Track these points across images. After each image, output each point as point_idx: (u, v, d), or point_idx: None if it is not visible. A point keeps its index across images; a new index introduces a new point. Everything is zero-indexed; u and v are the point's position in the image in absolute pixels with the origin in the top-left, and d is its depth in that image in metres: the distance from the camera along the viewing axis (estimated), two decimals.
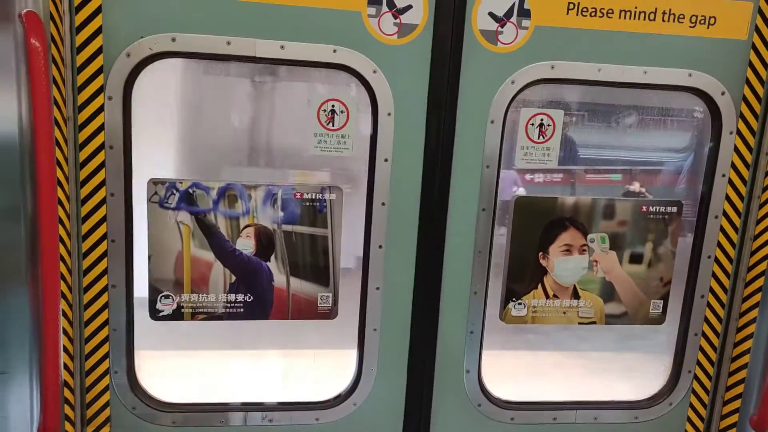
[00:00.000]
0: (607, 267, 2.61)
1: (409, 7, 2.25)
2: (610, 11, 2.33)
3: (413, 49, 2.28)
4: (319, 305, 2.48)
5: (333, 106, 2.34)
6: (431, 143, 2.36)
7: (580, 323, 2.65)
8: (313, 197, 2.40)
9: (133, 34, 2.13)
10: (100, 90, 2.14)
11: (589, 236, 2.58)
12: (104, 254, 2.25)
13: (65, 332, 2.20)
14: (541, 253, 2.56)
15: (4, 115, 1.92)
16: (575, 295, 2.61)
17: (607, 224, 2.59)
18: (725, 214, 2.54)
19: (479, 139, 2.37)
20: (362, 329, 2.49)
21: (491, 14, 2.28)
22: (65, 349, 2.20)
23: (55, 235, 1.93)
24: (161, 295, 2.37)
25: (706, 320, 2.64)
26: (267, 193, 2.37)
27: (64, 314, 2.19)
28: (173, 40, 2.15)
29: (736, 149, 2.48)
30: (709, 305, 2.62)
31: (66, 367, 2.19)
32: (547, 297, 2.60)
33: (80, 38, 2.11)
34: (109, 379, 2.34)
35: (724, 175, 2.50)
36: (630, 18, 2.35)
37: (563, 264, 2.57)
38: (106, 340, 2.32)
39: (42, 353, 2.00)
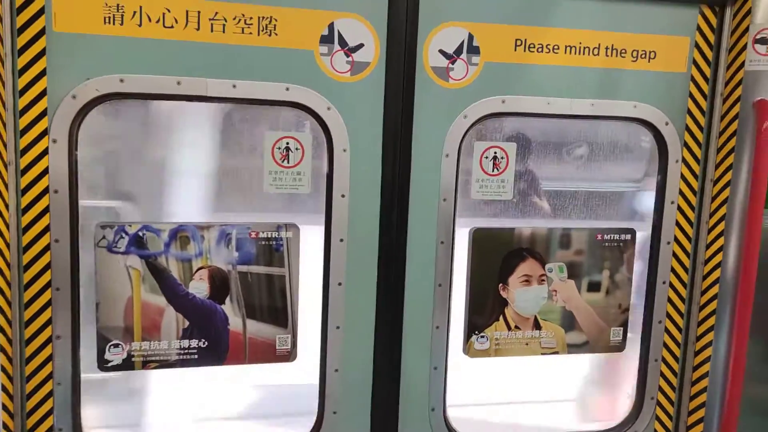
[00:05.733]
0: (566, 296, 2.63)
1: (361, 45, 2.27)
2: (556, 47, 2.40)
3: (366, 87, 2.29)
4: (277, 347, 2.40)
5: (287, 143, 2.32)
6: (388, 178, 2.35)
7: (542, 354, 2.64)
8: (269, 236, 2.35)
9: (79, 76, 2.08)
10: (44, 133, 2.07)
11: (547, 266, 2.59)
12: (48, 303, 2.14)
13: (4, 389, 2.08)
14: (501, 285, 2.56)
15: None
16: (536, 326, 2.61)
17: (564, 253, 2.62)
18: (677, 240, 2.60)
19: (435, 173, 2.38)
20: (323, 370, 2.42)
21: (442, 51, 2.32)
22: (4, 407, 2.07)
23: None
24: (110, 344, 2.26)
25: (665, 346, 2.67)
26: (221, 233, 2.31)
27: (3, 369, 2.07)
28: (121, 81, 2.11)
29: (683, 177, 2.56)
30: (667, 331, 2.66)
31: (5, 426, 2.05)
32: (509, 329, 2.59)
33: (23, 81, 2.04)
34: None
35: (673, 202, 2.57)
36: (576, 53, 2.42)
37: (523, 294, 2.57)
38: (50, 395, 2.18)
39: None
